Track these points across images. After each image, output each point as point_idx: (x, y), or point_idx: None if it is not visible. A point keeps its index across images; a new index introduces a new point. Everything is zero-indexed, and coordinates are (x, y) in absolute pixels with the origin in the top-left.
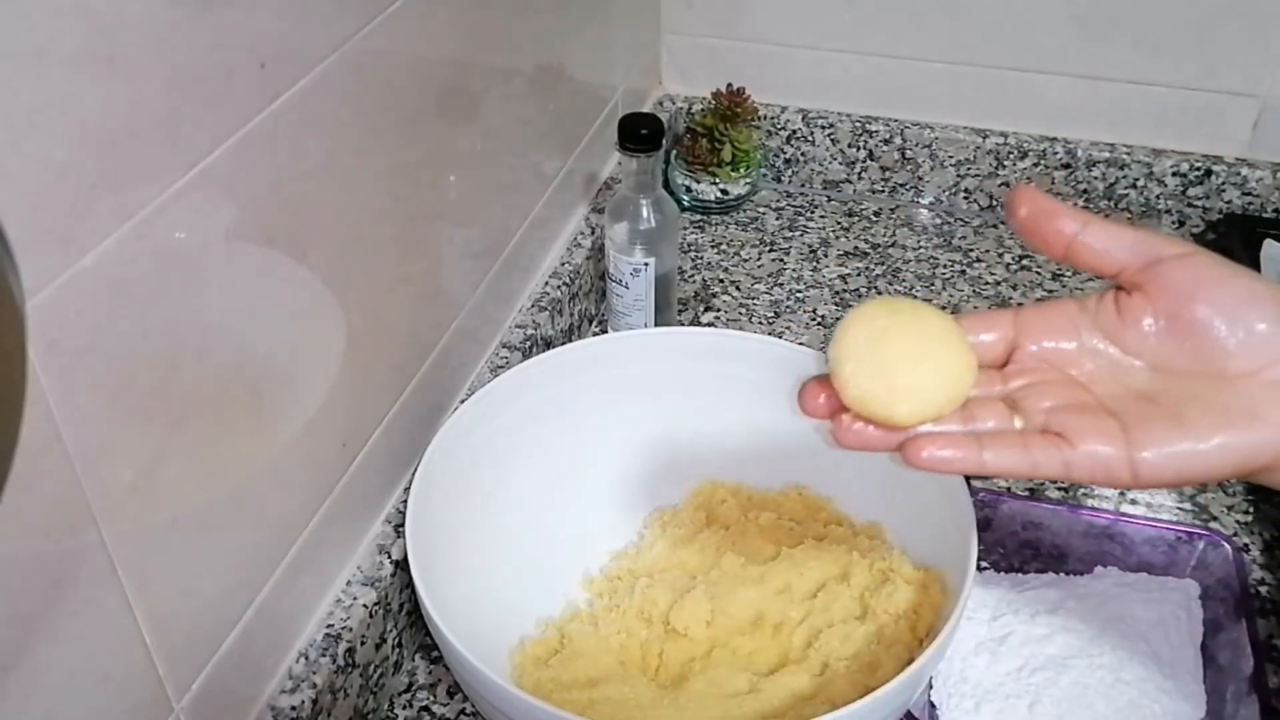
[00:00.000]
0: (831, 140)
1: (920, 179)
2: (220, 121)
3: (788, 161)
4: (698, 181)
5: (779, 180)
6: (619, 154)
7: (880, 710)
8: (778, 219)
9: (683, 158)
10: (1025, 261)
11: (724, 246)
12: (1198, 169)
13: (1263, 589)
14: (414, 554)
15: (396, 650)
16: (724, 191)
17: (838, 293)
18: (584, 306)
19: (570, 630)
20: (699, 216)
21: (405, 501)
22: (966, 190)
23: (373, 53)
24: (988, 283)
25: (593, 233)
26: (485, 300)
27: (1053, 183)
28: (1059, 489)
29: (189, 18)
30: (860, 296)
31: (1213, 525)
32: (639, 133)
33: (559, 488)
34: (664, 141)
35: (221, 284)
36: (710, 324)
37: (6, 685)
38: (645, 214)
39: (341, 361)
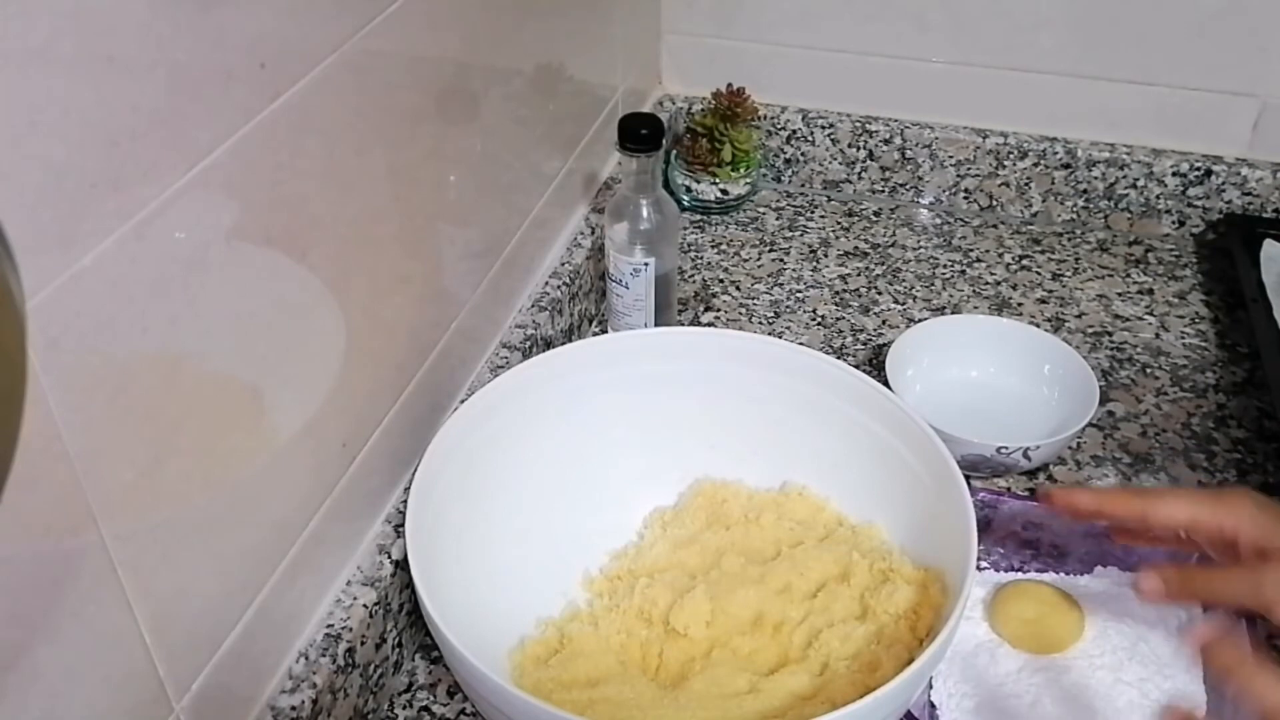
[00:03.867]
0: (831, 140)
1: (920, 179)
2: (220, 121)
3: (788, 161)
4: (698, 181)
5: (779, 180)
6: (619, 154)
7: (880, 710)
8: (778, 219)
9: (683, 158)
10: (1025, 262)
11: (724, 246)
12: (1198, 169)
13: None
14: (414, 554)
15: (396, 650)
16: (724, 191)
17: (838, 293)
18: (584, 306)
19: (570, 630)
20: (699, 216)
21: (405, 501)
22: (966, 190)
23: (373, 53)
24: (987, 283)
25: (593, 233)
26: (485, 300)
27: (1053, 183)
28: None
29: (189, 18)
30: (860, 296)
31: None
32: (639, 133)
33: (559, 487)
34: (664, 141)
35: (221, 284)
36: (710, 324)
37: (6, 685)
38: (645, 214)
39: (341, 361)
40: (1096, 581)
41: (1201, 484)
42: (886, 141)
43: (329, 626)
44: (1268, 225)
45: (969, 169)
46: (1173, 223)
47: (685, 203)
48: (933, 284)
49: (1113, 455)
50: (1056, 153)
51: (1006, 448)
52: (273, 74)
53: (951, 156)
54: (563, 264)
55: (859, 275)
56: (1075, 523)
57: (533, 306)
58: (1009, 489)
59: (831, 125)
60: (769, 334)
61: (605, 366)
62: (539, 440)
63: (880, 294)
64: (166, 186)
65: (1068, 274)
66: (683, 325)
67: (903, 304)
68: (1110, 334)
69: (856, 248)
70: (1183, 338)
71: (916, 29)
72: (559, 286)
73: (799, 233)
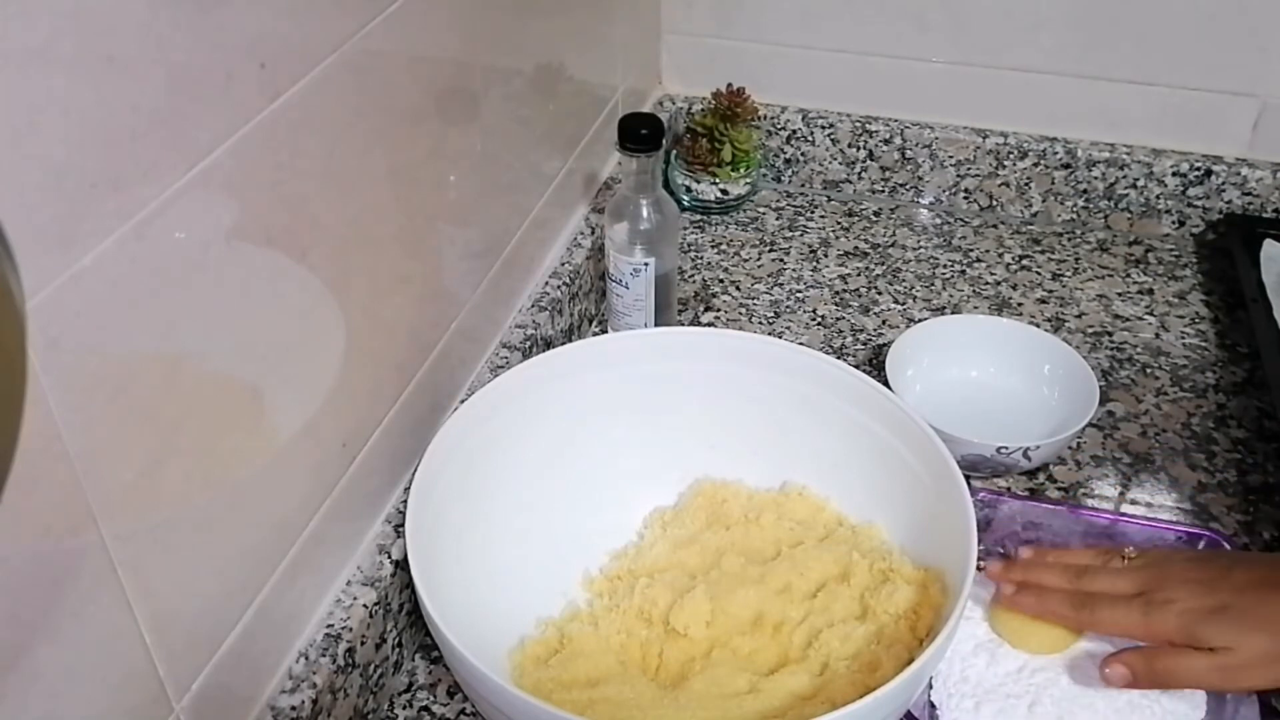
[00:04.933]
0: (831, 140)
1: (920, 179)
2: (220, 121)
3: (788, 161)
4: (698, 181)
5: (779, 180)
6: (619, 154)
7: (880, 710)
8: (778, 219)
9: (683, 158)
10: (1025, 262)
11: (724, 246)
12: (1198, 169)
13: None
14: (414, 554)
15: (396, 650)
16: (724, 191)
17: (838, 293)
18: (584, 306)
19: (570, 630)
20: (699, 216)
21: (405, 501)
22: (966, 190)
23: (373, 53)
24: (987, 283)
25: (593, 233)
26: (485, 300)
27: (1053, 183)
28: (1059, 489)
29: (189, 18)
30: (860, 296)
31: (1213, 525)
32: (639, 133)
33: (559, 487)
34: (664, 141)
35: (221, 284)
36: (710, 324)
37: (6, 685)
38: (645, 214)
39: (341, 361)
40: None
41: (1201, 484)
42: (886, 141)
43: (329, 626)
44: (1268, 225)
45: (969, 169)
46: (1173, 223)
47: (685, 203)
48: (933, 284)
49: (1113, 455)
50: (1056, 153)
51: (1006, 448)
52: (273, 74)
53: (951, 156)
54: (563, 264)
55: (859, 275)
56: (1074, 522)
57: (533, 306)
58: (1009, 489)
59: (831, 125)
60: (769, 334)
61: (605, 366)
62: (539, 440)
63: (880, 294)
64: (166, 186)
65: (1068, 274)
66: (683, 325)
67: (903, 304)
68: (1110, 334)
69: (856, 248)
70: (1183, 338)
71: (916, 29)
72: (559, 286)
73: (799, 233)
